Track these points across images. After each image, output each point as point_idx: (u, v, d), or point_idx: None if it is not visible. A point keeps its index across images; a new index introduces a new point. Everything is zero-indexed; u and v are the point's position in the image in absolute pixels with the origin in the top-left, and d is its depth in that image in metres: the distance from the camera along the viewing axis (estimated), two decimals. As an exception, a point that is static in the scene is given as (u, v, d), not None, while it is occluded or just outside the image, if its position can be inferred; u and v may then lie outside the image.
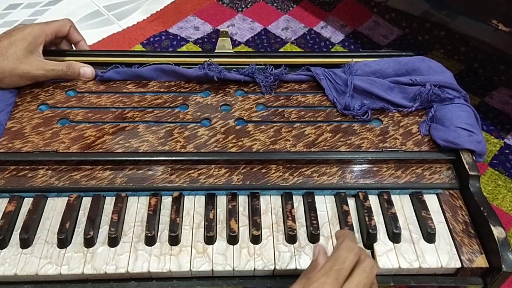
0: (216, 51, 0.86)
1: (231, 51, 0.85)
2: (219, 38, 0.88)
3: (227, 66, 0.75)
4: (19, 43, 0.68)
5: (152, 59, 0.76)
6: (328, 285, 0.47)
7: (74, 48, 0.81)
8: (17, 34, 0.69)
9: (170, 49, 1.02)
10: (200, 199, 0.63)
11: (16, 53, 0.68)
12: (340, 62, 0.76)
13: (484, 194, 0.64)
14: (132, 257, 0.57)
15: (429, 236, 0.60)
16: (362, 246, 0.60)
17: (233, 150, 0.66)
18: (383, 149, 0.67)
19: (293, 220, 0.60)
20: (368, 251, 0.59)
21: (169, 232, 0.58)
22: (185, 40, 1.05)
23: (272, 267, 0.57)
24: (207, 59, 0.74)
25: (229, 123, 0.69)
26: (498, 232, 0.57)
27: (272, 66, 0.74)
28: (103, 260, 0.57)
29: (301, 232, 0.60)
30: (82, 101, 0.71)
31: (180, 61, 0.76)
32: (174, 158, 0.65)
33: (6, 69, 0.68)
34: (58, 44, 0.79)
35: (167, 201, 0.63)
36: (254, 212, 0.61)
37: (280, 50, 1.03)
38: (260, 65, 0.75)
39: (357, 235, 0.60)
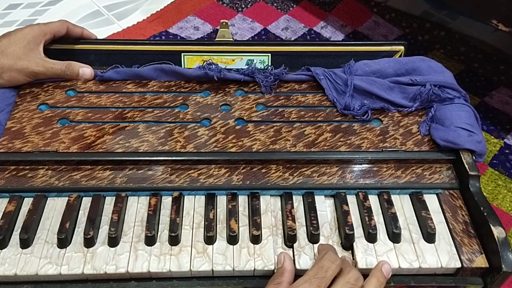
0: (216, 39, 0.86)
1: (231, 39, 0.86)
2: (219, 29, 0.89)
3: (228, 54, 0.76)
4: (19, 42, 0.69)
5: (154, 47, 0.76)
6: None
7: None
8: (17, 33, 0.70)
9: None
10: (200, 199, 0.63)
11: (15, 51, 0.68)
12: (335, 50, 0.78)
13: (484, 194, 0.64)
14: (132, 257, 0.57)
15: (429, 236, 0.60)
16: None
17: (233, 150, 0.66)
18: (383, 149, 0.67)
19: (293, 220, 0.60)
20: (371, 245, 0.59)
21: (169, 232, 0.58)
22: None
23: (272, 267, 0.57)
24: (208, 48, 0.75)
25: (229, 123, 0.69)
26: (498, 232, 0.57)
27: (272, 66, 0.74)
28: (103, 260, 0.57)
29: (301, 232, 0.60)
30: (82, 101, 0.71)
31: (181, 48, 0.77)
32: (174, 158, 0.65)
33: (5, 65, 0.68)
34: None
35: (167, 201, 0.63)
36: (254, 212, 0.61)
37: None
38: (258, 52, 0.76)
39: (357, 235, 0.60)
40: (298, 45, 0.79)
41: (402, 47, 0.78)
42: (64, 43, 0.76)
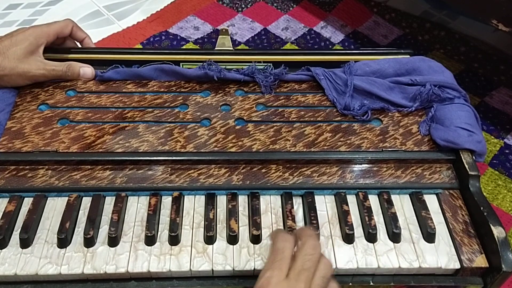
0: (216, 48, 0.86)
1: (231, 48, 0.85)
2: (219, 36, 0.88)
3: (227, 64, 0.75)
4: (20, 43, 0.69)
5: (153, 56, 0.76)
6: (275, 278, 0.49)
7: (79, 46, 0.81)
8: (19, 34, 0.70)
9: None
10: (200, 199, 0.63)
11: (16, 52, 0.68)
12: (339, 60, 0.77)
13: (484, 194, 0.64)
14: (132, 257, 0.57)
15: (429, 236, 0.60)
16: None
17: (233, 150, 0.66)
18: (383, 149, 0.67)
19: (293, 220, 0.60)
20: (371, 245, 0.59)
21: (169, 232, 0.58)
22: (185, 40, 1.05)
23: (272, 267, 0.57)
24: (207, 58, 0.74)
25: (229, 123, 0.69)
26: (498, 232, 0.57)
27: (272, 66, 0.74)
28: (103, 260, 0.57)
29: (301, 232, 0.60)
30: (82, 101, 0.71)
31: (180, 58, 0.76)
32: (174, 158, 0.65)
33: (7, 68, 0.68)
34: (63, 44, 0.79)
35: (167, 201, 0.63)
36: (254, 212, 0.61)
37: (280, 50, 1.03)
38: (260, 63, 0.75)
39: (357, 235, 0.60)
40: (301, 54, 0.78)
41: (408, 56, 0.77)
42: (58, 53, 0.76)
